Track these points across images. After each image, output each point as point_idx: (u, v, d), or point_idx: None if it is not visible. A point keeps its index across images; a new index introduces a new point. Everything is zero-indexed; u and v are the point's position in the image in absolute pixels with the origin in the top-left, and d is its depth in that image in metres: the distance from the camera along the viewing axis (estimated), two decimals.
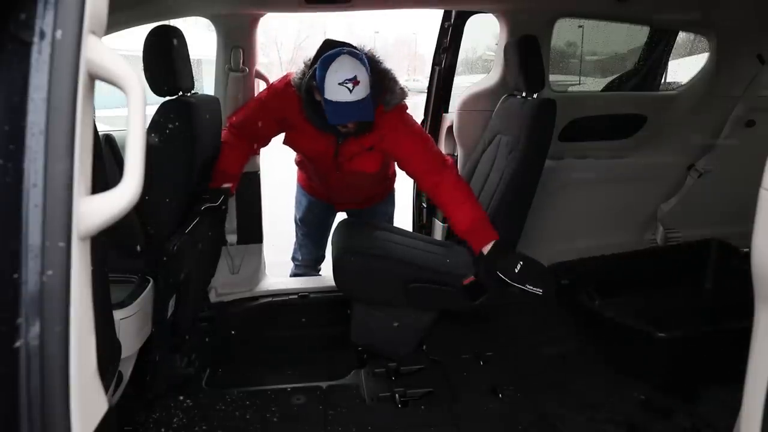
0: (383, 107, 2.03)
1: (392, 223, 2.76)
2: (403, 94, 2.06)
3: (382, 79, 2.03)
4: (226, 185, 2.17)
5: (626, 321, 2.09)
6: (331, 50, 1.94)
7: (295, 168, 2.70)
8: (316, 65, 1.94)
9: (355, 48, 2.01)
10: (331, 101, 1.88)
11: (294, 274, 2.99)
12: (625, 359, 2.15)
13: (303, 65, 2.09)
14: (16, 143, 0.58)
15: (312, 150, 2.22)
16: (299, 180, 2.71)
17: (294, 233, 2.94)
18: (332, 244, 2.18)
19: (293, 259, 3.09)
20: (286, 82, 2.15)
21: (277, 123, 2.18)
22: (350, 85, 1.85)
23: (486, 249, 1.91)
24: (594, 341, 2.31)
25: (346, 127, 2.03)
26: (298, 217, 2.80)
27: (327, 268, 3.22)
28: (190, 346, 2.19)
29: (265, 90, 2.30)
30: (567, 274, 2.49)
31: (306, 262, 3.05)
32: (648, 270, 2.66)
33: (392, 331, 2.07)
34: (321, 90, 1.90)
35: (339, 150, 2.15)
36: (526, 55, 2.17)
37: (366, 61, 1.94)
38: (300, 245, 2.99)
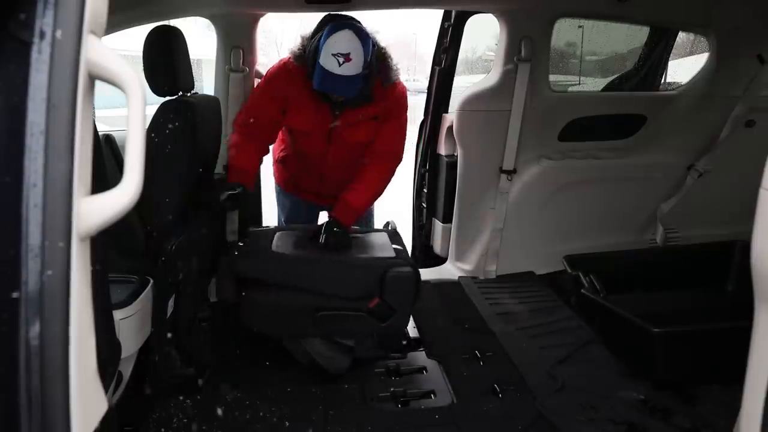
0: (382, 81, 2.14)
1: (372, 218, 2.77)
2: (397, 71, 2.19)
3: (382, 58, 2.13)
4: (240, 181, 2.18)
5: (624, 315, 2.09)
6: (339, 21, 2.00)
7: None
8: (321, 33, 1.99)
9: (361, 26, 2.05)
10: (321, 66, 1.94)
11: None
12: (625, 355, 2.15)
13: (300, 39, 2.14)
14: (15, 143, 0.58)
15: (311, 122, 2.22)
16: (279, 181, 2.65)
17: None
18: (220, 275, 2.14)
19: None
20: (283, 62, 2.20)
21: (279, 106, 2.20)
22: (341, 59, 1.91)
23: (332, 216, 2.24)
24: (595, 337, 2.30)
25: (331, 97, 2.11)
26: (283, 219, 2.78)
27: None
28: (190, 346, 2.18)
29: (262, 79, 2.32)
30: (579, 265, 2.48)
31: None
32: (666, 268, 2.65)
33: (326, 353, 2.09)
34: (318, 53, 1.96)
35: (339, 119, 2.20)
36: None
37: (370, 42, 1.99)
38: None
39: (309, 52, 2.05)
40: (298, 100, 2.15)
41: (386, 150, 2.28)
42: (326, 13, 2.12)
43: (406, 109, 2.29)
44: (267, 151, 2.37)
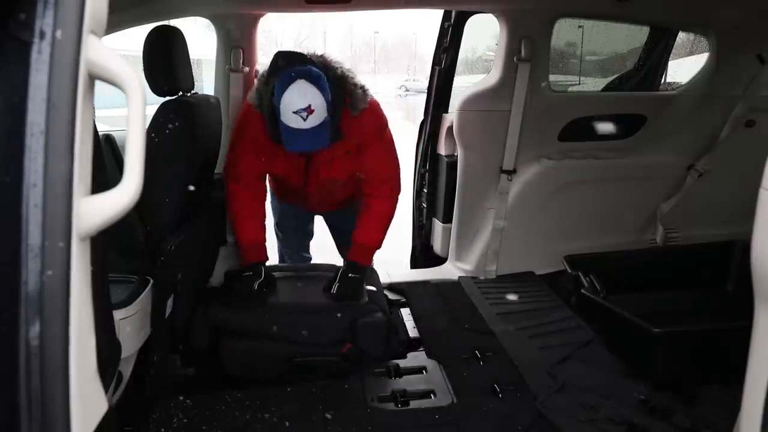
0: (349, 112, 2.03)
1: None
2: (365, 96, 2.05)
3: (342, 86, 2.02)
4: (261, 259, 2.25)
5: (624, 315, 2.09)
6: (286, 69, 1.90)
7: None
8: (275, 83, 1.91)
9: (309, 62, 1.96)
10: (285, 126, 1.88)
11: None
12: (625, 355, 2.15)
13: (257, 82, 2.07)
14: (16, 143, 0.58)
15: (284, 168, 2.21)
16: (271, 185, 2.63)
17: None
18: (194, 324, 2.16)
19: (280, 263, 3.09)
20: (245, 110, 2.14)
21: (258, 155, 2.15)
22: (304, 114, 1.83)
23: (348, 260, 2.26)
24: (595, 337, 2.30)
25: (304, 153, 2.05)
26: (275, 222, 2.78)
27: None
28: (189, 346, 2.19)
29: (233, 130, 2.25)
30: (579, 265, 2.48)
31: None
32: (666, 268, 2.64)
33: None
34: (277, 112, 1.89)
35: (311, 160, 2.15)
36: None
37: (323, 79, 1.89)
38: (284, 252, 3.01)
39: (265, 102, 1.98)
40: (268, 147, 2.08)
41: (378, 176, 2.21)
42: (277, 52, 2.04)
43: (385, 128, 2.19)
44: (265, 193, 2.34)
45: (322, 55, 2.07)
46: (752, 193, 0.89)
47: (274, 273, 2.34)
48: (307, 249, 3.12)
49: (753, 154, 1.28)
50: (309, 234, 2.92)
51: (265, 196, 2.35)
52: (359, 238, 2.25)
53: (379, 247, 2.29)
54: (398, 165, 2.27)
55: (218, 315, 2.12)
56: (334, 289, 2.18)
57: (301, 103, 1.83)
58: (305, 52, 2.05)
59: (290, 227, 2.86)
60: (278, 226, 2.80)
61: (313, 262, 3.02)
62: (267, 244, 2.33)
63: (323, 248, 3.10)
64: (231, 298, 2.18)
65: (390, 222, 2.28)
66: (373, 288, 2.29)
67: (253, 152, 2.14)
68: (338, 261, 2.77)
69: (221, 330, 2.10)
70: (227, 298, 2.19)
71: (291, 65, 1.93)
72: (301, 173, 2.21)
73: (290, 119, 1.85)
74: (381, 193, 2.23)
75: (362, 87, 2.06)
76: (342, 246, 2.68)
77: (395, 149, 2.26)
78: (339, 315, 2.10)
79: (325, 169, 2.18)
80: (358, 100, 2.04)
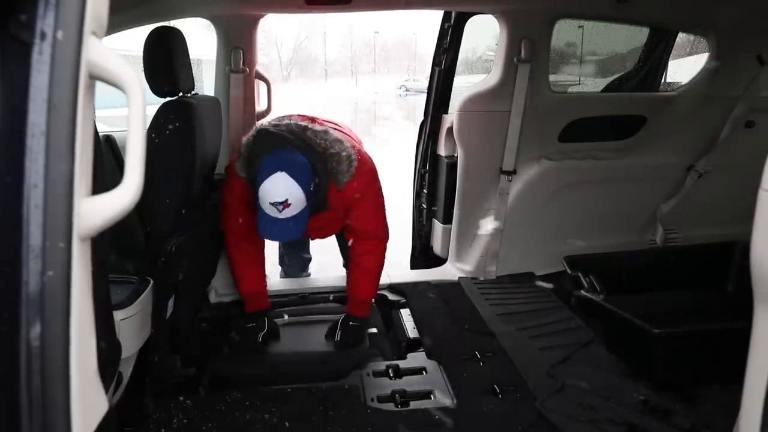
0: (335, 186, 2.06)
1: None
2: (350, 167, 2.05)
3: (326, 162, 2.03)
4: (263, 307, 2.33)
5: (624, 316, 2.09)
6: (268, 157, 1.89)
7: None
8: (258, 160, 1.91)
9: (292, 143, 1.95)
10: (263, 212, 1.89)
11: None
12: (625, 356, 2.15)
13: (243, 152, 2.06)
14: (16, 144, 0.58)
15: None
16: None
17: None
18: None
19: (280, 263, 3.10)
20: (230, 177, 2.14)
21: (251, 210, 2.11)
22: (280, 207, 1.85)
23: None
24: (595, 337, 2.31)
25: None
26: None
27: (316, 269, 3.25)
28: (190, 347, 2.19)
29: (224, 195, 2.22)
30: (579, 266, 2.48)
31: (293, 267, 3.08)
32: (666, 269, 2.64)
33: None
34: (255, 194, 1.90)
35: None
36: None
37: (305, 169, 1.89)
38: (285, 252, 3.02)
39: (250, 176, 1.97)
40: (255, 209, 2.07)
41: (363, 232, 2.25)
42: (260, 129, 2.05)
43: (372, 188, 2.19)
44: (263, 240, 2.31)
45: (306, 128, 2.04)
46: (752, 194, 0.89)
47: (276, 320, 2.41)
48: (306, 249, 3.14)
49: (753, 155, 1.28)
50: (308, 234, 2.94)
51: (263, 246, 2.35)
52: (354, 294, 2.34)
53: (375, 295, 2.40)
54: (384, 217, 2.29)
55: (222, 367, 2.17)
56: (337, 337, 2.27)
57: (279, 197, 1.84)
58: (287, 127, 2.03)
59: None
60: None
61: (313, 276, 3.07)
62: (266, 243, 2.35)
63: (323, 248, 3.11)
64: (235, 351, 2.27)
65: (381, 270, 2.35)
66: (374, 330, 2.36)
67: (237, 210, 2.16)
68: (337, 261, 2.79)
69: (225, 381, 2.11)
70: (232, 352, 2.28)
71: (273, 148, 1.93)
72: None
73: (267, 208, 1.87)
74: (367, 248, 2.27)
75: (348, 157, 2.05)
76: (343, 247, 2.69)
77: (383, 204, 2.27)
78: (342, 362, 2.15)
79: (314, 233, 2.31)
80: (341, 174, 2.05)
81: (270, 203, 1.85)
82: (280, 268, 3.16)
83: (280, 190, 1.84)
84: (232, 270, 2.34)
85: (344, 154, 2.05)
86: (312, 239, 2.44)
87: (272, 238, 1.97)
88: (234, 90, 2.56)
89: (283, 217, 1.87)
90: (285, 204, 1.85)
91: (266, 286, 2.39)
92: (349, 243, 2.31)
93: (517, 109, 2.67)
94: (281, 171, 1.85)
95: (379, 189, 2.23)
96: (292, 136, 1.99)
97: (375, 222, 2.26)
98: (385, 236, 2.30)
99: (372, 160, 2.22)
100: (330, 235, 2.42)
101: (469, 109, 2.74)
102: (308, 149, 1.98)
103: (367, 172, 2.15)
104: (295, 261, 3.11)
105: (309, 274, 3.17)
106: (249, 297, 2.31)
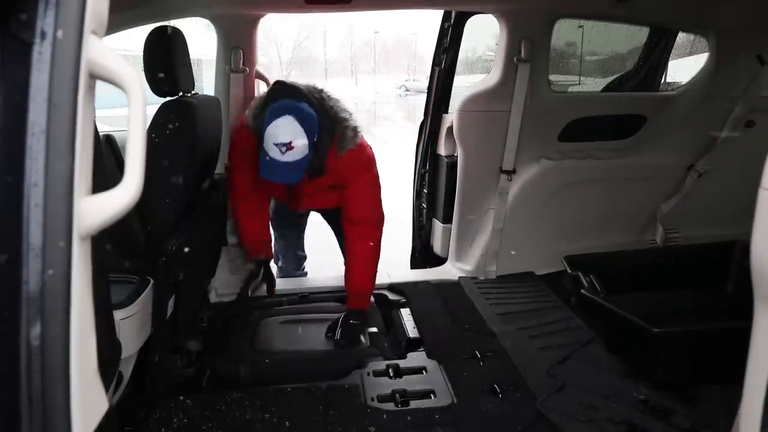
0: (335, 151, 2.09)
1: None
2: (355, 137, 2.12)
3: (334, 124, 2.07)
4: (263, 256, 2.38)
5: (625, 315, 2.09)
6: (280, 101, 1.95)
7: None
8: (269, 107, 1.96)
9: (306, 98, 2.00)
10: (265, 153, 1.92)
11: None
12: (625, 355, 2.15)
13: (255, 102, 2.14)
14: (17, 143, 0.58)
15: (270, 188, 2.29)
16: None
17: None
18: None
19: (275, 261, 3.11)
20: (239, 129, 2.22)
21: (247, 164, 2.21)
22: (283, 149, 1.89)
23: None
24: (595, 337, 2.31)
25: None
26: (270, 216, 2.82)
27: (314, 269, 3.25)
28: (189, 346, 2.19)
29: (231, 147, 2.33)
30: (579, 266, 2.49)
31: (289, 266, 3.08)
32: (666, 269, 2.64)
33: None
34: (261, 137, 1.94)
35: (293, 191, 2.27)
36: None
37: (313, 120, 1.94)
38: (280, 250, 3.03)
39: (257, 124, 2.02)
40: (257, 163, 2.12)
41: (358, 216, 2.27)
42: (277, 81, 2.12)
43: (369, 170, 2.24)
44: (267, 198, 2.45)
45: (321, 91, 2.12)
46: (752, 193, 0.89)
47: (277, 317, 2.44)
48: (301, 248, 3.14)
49: (753, 155, 1.27)
50: (302, 230, 2.95)
51: (267, 200, 2.43)
52: (352, 286, 2.34)
53: (373, 287, 2.39)
54: (379, 203, 2.31)
55: (222, 367, 2.17)
56: (337, 335, 2.27)
57: (284, 138, 1.89)
58: (306, 86, 2.10)
59: (284, 225, 2.88)
60: (271, 222, 2.83)
61: (312, 275, 3.08)
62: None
63: (317, 247, 3.11)
64: (234, 348, 2.26)
65: (377, 260, 2.35)
66: (375, 329, 2.36)
67: (243, 165, 2.23)
68: (337, 259, 2.78)
69: (225, 380, 2.12)
70: (230, 350, 2.26)
71: (287, 97, 1.98)
72: (285, 194, 2.33)
73: (270, 149, 1.90)
74: (361, 233, 2.28)
75: (354, 128, 2.12)
76: (341, 237, 2.70)
77: (378, 189, 2.30)
78: (342, 360, 2.16)
79: (307, 200, 2.32)
80: (346, 140, 2.10)
81: (274, 144, 1.89)
82: (275, 266, 3.16)
83: (287, 132, 1.89)
84: (236, 224, 2.43)
85: (352, 123, 2.13)
86: (304, 208, 2.46)
87: (271, 178, 1.99)
88: (234, 90, 2.56)
89: (285, 160, 1.90)
90: (288, 146, 1.88)
91: (269, 238, 2.47)
92: (344, 231, 2.33)
93: (517, 108, 2.67)
94: (290, 115, 1.90)
95: (376, 175, 2.28)
96: (308, 93, 2.05)
97: (370, 206, 2.28)
98: (379, 221, 2.32)
99: (372, 150, 2.29)
100: (321, 207, 2.46)
101: (469, 109, 2.74)
102: (320, 107, 2.04)
103: (367, 154, 2.23)
104: (290, 259, 3.11)
105: (305, 273, 3.17)
106: (251, 243, 2.39)
